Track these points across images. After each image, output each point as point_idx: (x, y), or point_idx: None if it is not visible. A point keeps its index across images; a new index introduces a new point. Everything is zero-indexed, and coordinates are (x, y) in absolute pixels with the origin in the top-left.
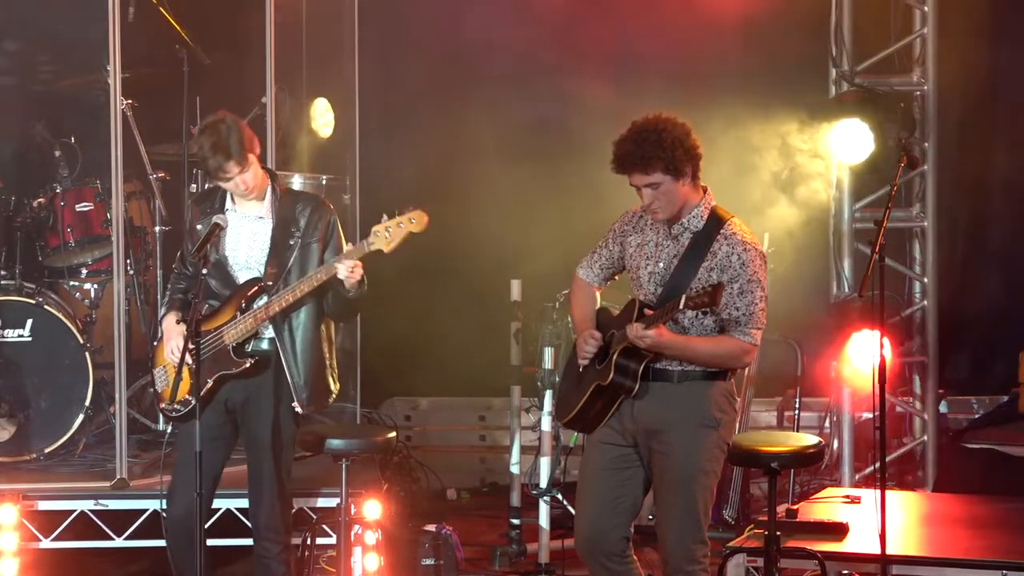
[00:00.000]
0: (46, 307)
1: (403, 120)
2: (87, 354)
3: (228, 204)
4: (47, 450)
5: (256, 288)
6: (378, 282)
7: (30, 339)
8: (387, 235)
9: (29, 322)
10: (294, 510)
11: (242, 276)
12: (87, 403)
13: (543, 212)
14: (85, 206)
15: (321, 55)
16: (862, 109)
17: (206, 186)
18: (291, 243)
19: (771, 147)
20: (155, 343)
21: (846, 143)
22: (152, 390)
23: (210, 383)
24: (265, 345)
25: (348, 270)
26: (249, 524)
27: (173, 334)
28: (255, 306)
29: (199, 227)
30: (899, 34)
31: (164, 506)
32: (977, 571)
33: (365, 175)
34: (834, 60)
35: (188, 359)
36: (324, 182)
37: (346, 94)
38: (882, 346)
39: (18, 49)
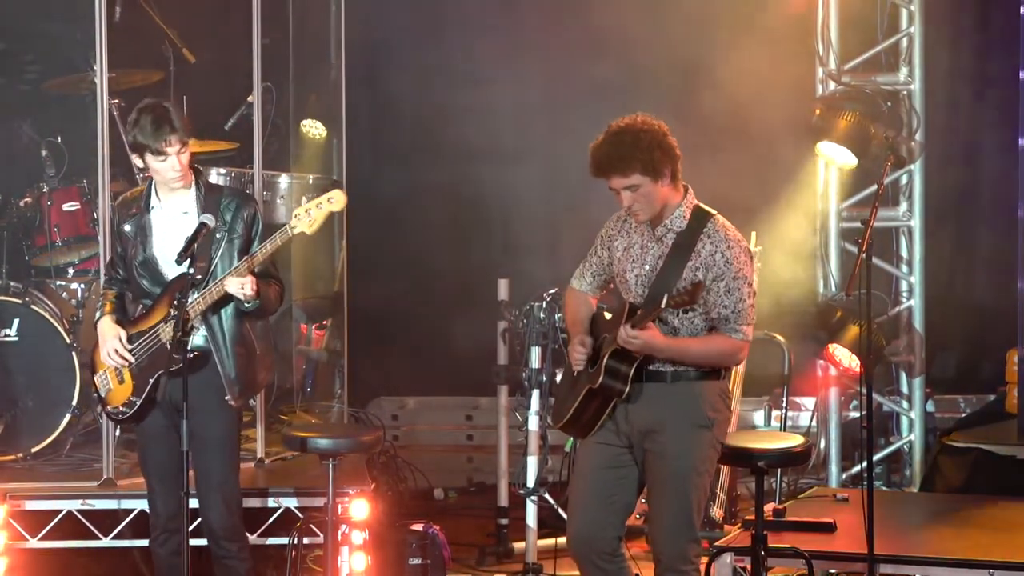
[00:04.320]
0: (33, 307)
1: (389, 118)
2: (74, 354)
3: (153, 202)
4: (34, 450)
5: (186, 284)
6: (365, 281)
7: (17, 339)
8: (308, 217)
9: (16, 322)
10: (280, 510)
11: (170, 273)
12: (74, 403)
13: (530, 211)
14: (72, 206)
15: (308, 53)
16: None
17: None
18: (217, 236)
19: (758, 145)
20: (93, 347)
21: (837, 147)
22: (95, 395)
23: (151, 382)
24: (200, 341)
25: (238, 287)
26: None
27: (108, 336)
28: (188, 302)
29: (126, 228)
30: (886, 33)
31: (150, 512)
32: (964, 570)
33: (352, 174)
34: (821, 59)
35: (131, 360)
36: (311, 181)
37: (333, 92)
38: (868, 346)
39: (4, 48)
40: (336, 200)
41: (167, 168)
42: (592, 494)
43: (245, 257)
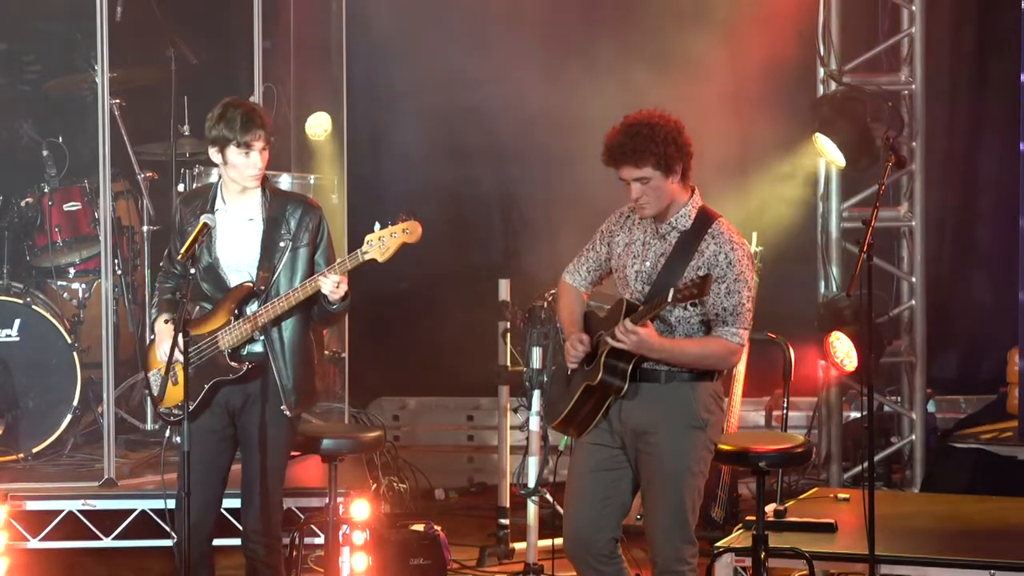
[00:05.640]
0: (34, 307)
1: (391, 119)
2: (75, 354)
3: (219, 204)
4: (35, 450)
5: (248, 292)
6: (367, 283)
7: (18, 339)
8: (381, 245)
9: (17, 322)
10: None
11: (233, 279)
12: (75, 403)
13: (530, 211)
14: (73, 206)
15: (308, 53)
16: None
17: (194, 185)
18: (281, 245)
19: (760, 146)
20: (148, 344)
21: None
22: (146, 391)
23: (206, 388)
24: (259, 348)
25: (333, 285)
26: (239, 525)
27: (165, 336)
28: (247, 310)
29: (189, 229)
30: (887, 33)
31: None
32: (965, 571)
33: (353, 174)
34: (822, 60)
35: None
36: (312, 181)
37: (334, 93)
38: (870, 345)
39: (5, 48)
40: (412, 232)
41: (249, 164)
42: (587, 496)
43: (341, 259)
